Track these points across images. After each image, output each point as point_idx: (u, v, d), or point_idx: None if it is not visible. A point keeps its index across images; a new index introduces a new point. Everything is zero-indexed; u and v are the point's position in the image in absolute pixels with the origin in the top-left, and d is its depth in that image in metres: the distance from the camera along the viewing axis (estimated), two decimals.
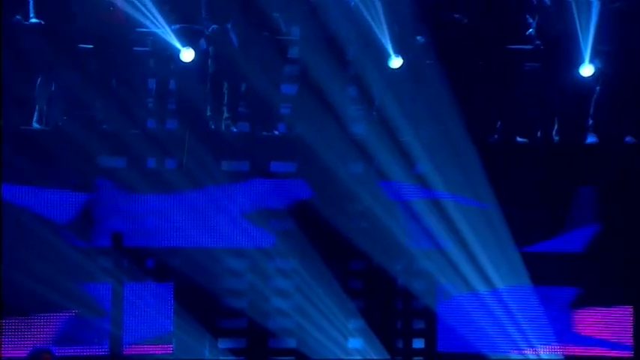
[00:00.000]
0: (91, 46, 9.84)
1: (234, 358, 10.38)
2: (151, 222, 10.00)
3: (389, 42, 10.19)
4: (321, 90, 10.15)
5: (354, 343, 10.38)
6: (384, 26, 10.14)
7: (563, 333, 10.28)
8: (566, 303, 10.28)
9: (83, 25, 9.77)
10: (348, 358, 10.20)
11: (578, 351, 10.26)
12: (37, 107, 9.83)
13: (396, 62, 10.24)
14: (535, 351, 10.17)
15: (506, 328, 10.30)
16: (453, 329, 10.33)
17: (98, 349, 9.87)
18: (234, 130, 10.15)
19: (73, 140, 9.61)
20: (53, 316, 9.72)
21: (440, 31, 10.29)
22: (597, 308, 10.27)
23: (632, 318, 10.25)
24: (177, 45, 9.82)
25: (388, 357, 10.36)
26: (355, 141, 10.34)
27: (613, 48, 10.41)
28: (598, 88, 10.42)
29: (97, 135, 9.78)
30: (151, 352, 10.01)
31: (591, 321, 10.34)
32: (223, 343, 10.28)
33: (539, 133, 10.41)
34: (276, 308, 10.27)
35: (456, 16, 10.34)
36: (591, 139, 10.49)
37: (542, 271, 10.27)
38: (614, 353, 10.32)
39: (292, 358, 10.44)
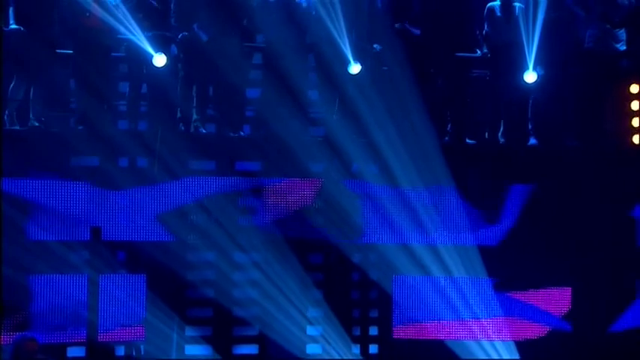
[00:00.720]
0: (69, 51, 10.03)
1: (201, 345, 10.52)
2: (125, 216, 10.25)
3: (348, 49, 10.45)
4: (283, 93, 10.38)
5: (313, 330, 10.63)
6: (345, 34, 10.39)
7: (511, 311, 10.72)
8: (513, 287, 10.76)
9: (62, 30, 9.95)
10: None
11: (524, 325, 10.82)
12: (12, 108, 10.10)
13: (355, 68, 10.50)
14: (484, 327, 10.70)
15: (459, 313, 10.64)
16: (408, 316, 10.72)
17: (76, 335, 10.11)
18: (203, 131, 10.36)
19: (49, 139, 9.82)
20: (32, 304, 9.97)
21: (395, 39, 10.53)
22: (540, 290, 10.77)
23: (570, 298, 10.77)
24: (150, 50, 10.02)
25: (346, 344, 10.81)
26: (316, 142, 10.61)
27: (553, 55, 10.70)
28: (537, 94, 10.75)
29: (72, 135, 9.94)
30: (124, 336, 10.25)
31: (535, 301, 10.87)
32: (190, 331, 10.46)
33: (486, 135, 10.77)
34: (241, 298, 10.65)
35: (409, 26, 10.66)
36: (532, 141, 10.80)
37: (492, 262, 10.65)
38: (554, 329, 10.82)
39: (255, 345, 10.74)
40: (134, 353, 10.55)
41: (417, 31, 10.68)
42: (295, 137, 10.54)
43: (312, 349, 10.77)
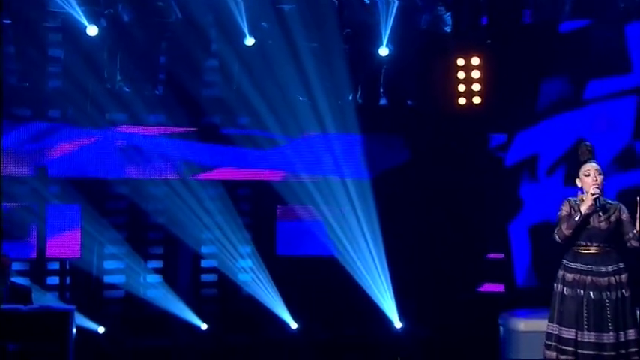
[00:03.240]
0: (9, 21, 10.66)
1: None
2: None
3: (245, 25, 11.31)
4: (189, 61, 11.32)
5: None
6: (243, 12, 11.24)
7: None
8: None
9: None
10: None
11: None
12: None
13: (249, 41, 11.35)
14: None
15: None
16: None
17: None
18: (126, 89, 11.26)
19: None
20: None
21: (278, 18, 11.29)
22: None
23: None
24: (85, 22, 10.87)
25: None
26: (212, 99, 11.55)
27: (401, 35, 11.54)
28: (388, 65, 11.63)
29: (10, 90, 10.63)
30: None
31: None
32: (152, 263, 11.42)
33: (350, 97, 11.64)
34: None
35: (286, 6, 11.35)
36: (383, 101, 11.74)
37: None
38: None
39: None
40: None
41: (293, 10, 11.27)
42: (197, 95, 11.47)
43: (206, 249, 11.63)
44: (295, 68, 11.44)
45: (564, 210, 7.32)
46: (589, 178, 7.24)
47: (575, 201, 7.36)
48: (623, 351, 7.03)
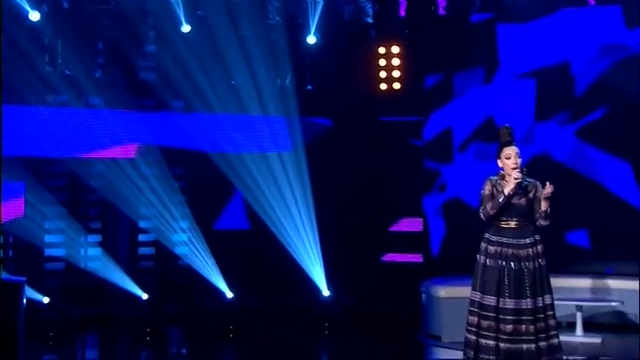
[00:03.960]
0: None
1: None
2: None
3: (182, 13, 11.50)
4: (128, 46, 11.50)
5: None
6: (180, 1, 11.41)
7: None
8: None
9: None
10: None
11: None
12: None
13: (186, 28, 11.54)
14: None
15: None
16: None
17: None
18: (67, 72, 11.39)
19: None
20: None
21: (213, 7, 11.50)
22: None
23: None
24: (27, 8, 10.96)
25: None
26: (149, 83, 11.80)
27: (327, 24, 11.88)
28: (315, 52, 11.94)
29: None
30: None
31: None
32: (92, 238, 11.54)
33: (278, 81, 11.91)
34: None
35: None
36: (309, 87, 12.10)
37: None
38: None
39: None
40: None
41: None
42: (132, 79, 11.68)
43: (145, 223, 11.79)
44: (228, 54, 11.67)
45: (487, 189, 7.41)
46: (510, 161, 7.31)
47: (497, 179, 7.40)
48: (540, 315, 7.22)
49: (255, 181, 11.70)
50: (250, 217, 11.74)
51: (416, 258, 12.01)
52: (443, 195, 12.08)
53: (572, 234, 11.18)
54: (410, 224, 12.16)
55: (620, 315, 10.33)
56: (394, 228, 12.19)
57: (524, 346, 7.26)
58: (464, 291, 9.41)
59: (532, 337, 7.27)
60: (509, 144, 7.40)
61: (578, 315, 9.83)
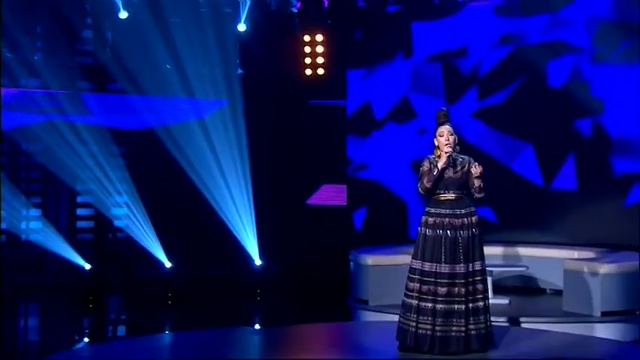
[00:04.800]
0: None
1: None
2: None
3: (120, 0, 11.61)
4: (65, 32, 11.65)
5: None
6: None
7: None
8: None
9: None
10: None
11: None
12: None
13: (123, 15, 11.64)
14: None
15: None
16: None
17: None
18: (8, 55, 11.36)
19: None
20: None
21: None
22: None
23: None
24: None
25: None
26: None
27: (255, 14, 12.07)
28: (246, 38, 12.08)
29: None
30: None
31: None
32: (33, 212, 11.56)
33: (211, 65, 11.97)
34: None
35: None
36: (240, 70, 12.26)
37: None
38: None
39: None
40: None
41: None
42: (69, 63, 11.82)
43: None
44: (163, 41, 11.82)
45: (425, 166, 7.70)
46: (443, 138, 7.64)
47: (434, 157, 7.71)
48: (470, 279, 7.59)
49: (195, 157, 11.88)
50: (190, 190, 11.86)
51: (342, 229, 12.33)
52: (365, 171, 12.52)
53: (480, 209, 11.75)
54: (336, 197, 12.54)
55: (525, 279, 10.95)
56: (322, 202, 12.55)
57: (456, 306, 7.65)
58: (389, 259, 10.07)
59: (463, 299, 7.65)
60: (443, 124, 7.78)
61: (489, 279, 10.34)
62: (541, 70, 11.67)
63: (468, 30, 12.11)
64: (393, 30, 12.45)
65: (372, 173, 12.52)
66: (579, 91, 11.48)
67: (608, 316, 9.40)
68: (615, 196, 11.31)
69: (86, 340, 9.93)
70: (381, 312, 9.69)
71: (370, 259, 10.14)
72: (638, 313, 9.58)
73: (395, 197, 12.34)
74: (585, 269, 9.55)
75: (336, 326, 9.58)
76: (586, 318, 9.37)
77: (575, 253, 10.42)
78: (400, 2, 12.49)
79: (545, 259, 10.66)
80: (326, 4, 12.60)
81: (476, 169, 7.71)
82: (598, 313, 9.39)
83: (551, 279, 10.62)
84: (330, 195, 12.54)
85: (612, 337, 9.16)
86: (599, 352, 8.31)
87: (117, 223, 11.99)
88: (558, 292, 10.24)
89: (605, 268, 9.50)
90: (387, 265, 10.04)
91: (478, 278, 7.75)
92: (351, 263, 10.45)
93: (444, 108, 7.92)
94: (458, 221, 7.70)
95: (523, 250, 10.92)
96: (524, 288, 10.86)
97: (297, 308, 10.92)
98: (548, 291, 10.84)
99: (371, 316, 9.82)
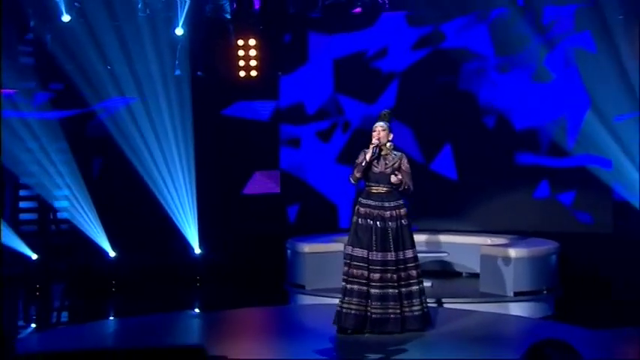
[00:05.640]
0: None
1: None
2: None
3: (62, 3, 11.73)
4: (8, 34, 11.44)
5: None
6: None
7: None
8: None
9: None
10: None
11: None
12: None
13: (65, 18, 11.78)
14: None
15: None
16: None
17: None
18: None
19: None
20: None
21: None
22: None
23: None
24: None
25: None
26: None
27: (190, 18, 12.14)
28: (185, 42, 12.12)
29: None
30: None
31: None
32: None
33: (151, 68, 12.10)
34: None
35: None
36: (177, 72, 12.19)
37: None
38: None
39: None
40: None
41: None
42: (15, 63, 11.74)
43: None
44: (104, 43, 11.94)
45: (360, 157, 8.00)
46: (374, 133, 7.99)
47: (367, 150, 8.03)
48: (402, 266, 8.06)
49: (140, 148, 11.94)
50: (134, 182, 11.91)
51: (277, 217, 12.57)
52: (300, 169, 12.81)
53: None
54: (271, 187, 12.78)
55: (445, 264, 11.46)
56: (258, 192, 12.76)
57: (390, 290, 8.11)
58: (324, 247, 10.46)
59: (395, 284, 8.10)
60: (378, 121, 8.24)
61: None
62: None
63: (386, 35, 12.51)
64: (318, 35, 12.76)
65: (304, 170, 12.86)
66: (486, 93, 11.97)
67: (520, 295, 9.92)
68: (524, 188, 11.85)
69: (33, 326, 9.96)
70: (316, 295, 10.01)
71: (307, 247, 10.44)
72: (545, 292, 10.19)
73: (322, 196, 12.72)
74: (499, 254, 10.10)
75: (275, 309, 9.91)
76: (501, 298, 9.84)
77: (489, 240, 10.91)
78: (323, 11, 12.77)
79: (464, 246, 11.15)
80: (257, 6, 12.82)
81: (395, 178, 8.06)
82: (511, 294, 9.87)
83: (470, 264, 11.10)
84: (264, 183, 12.72)
85: (524, 315, 9.75)
86: (514, 327, 8.93)
87: (61, 215, 12.02)
88: (475, 275, 10.72)
89: (516, 253, 10.03)
90: (322, 253, 10.37)
91: (410, 265, 8.21)
92: (288, 251, 10.69)
93: (386, 109, 8.36)
94: (387, 213, 8.10)
95: (444, 238, 11.36)
96: (443, 271, 11.30)
97: (236, 294, 11.09)
98: (464, 274, 11.36)
99: (308, 300, 10.06)
